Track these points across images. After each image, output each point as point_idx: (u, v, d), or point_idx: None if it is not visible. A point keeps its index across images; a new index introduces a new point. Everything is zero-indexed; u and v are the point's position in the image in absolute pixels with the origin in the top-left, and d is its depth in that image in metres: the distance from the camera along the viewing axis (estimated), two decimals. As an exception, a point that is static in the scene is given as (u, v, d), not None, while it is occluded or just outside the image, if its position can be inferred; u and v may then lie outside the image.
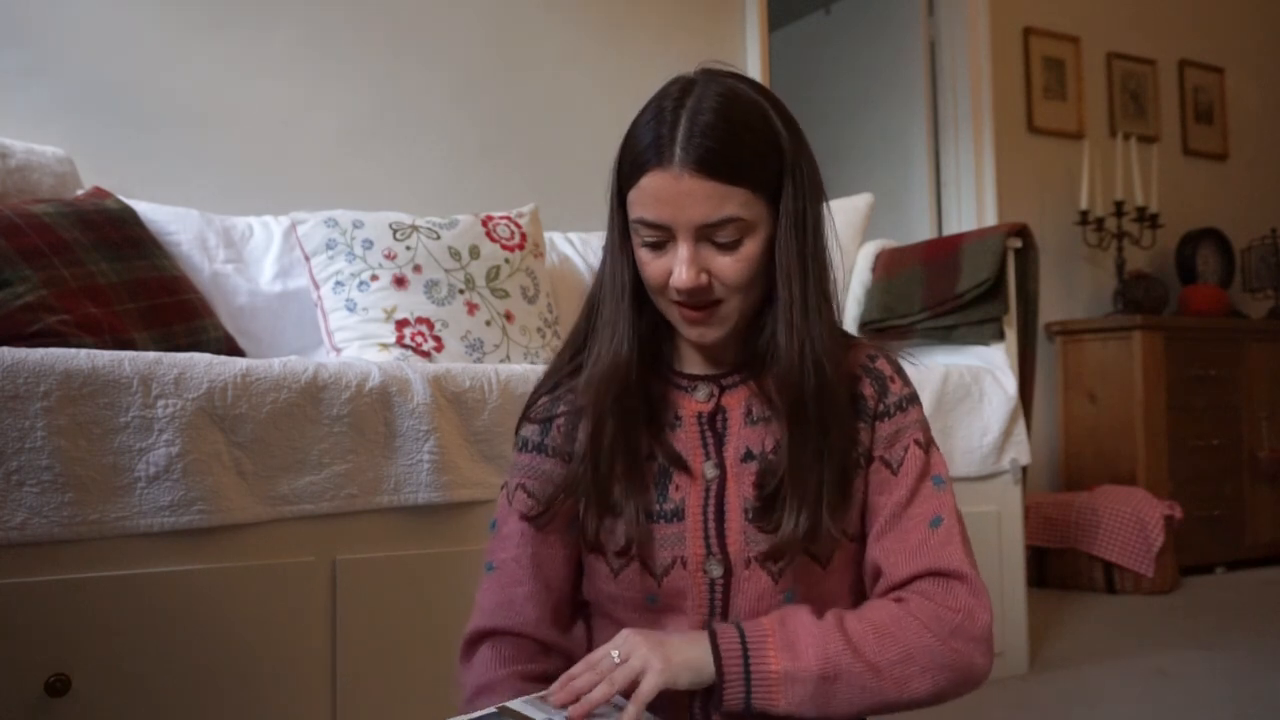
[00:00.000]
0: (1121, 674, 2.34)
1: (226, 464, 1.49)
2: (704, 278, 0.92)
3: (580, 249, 2.58)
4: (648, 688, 0.86)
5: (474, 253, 2.15)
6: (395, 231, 2.10)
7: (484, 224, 2.21)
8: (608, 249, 1.01)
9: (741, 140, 0.91)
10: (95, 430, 1.40)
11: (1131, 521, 3.24)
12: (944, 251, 2.51)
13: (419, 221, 2.15)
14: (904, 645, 0.91)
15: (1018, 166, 3.87)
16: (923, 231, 3.77)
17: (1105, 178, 3.98)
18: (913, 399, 1.02)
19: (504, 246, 2.19)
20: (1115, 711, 2.09)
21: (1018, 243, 2.44)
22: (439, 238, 2.13)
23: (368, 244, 2.08)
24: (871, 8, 4.04)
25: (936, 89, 3.85)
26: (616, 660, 0.88)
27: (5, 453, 1.34)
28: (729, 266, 0.93)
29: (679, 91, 0.94)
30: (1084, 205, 3.86)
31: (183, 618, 1.45)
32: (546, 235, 2.48)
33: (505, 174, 2.80)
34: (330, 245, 2.08)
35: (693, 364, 1.04)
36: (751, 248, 0.93)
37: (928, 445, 1.00)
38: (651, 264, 0.95)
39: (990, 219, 3.72)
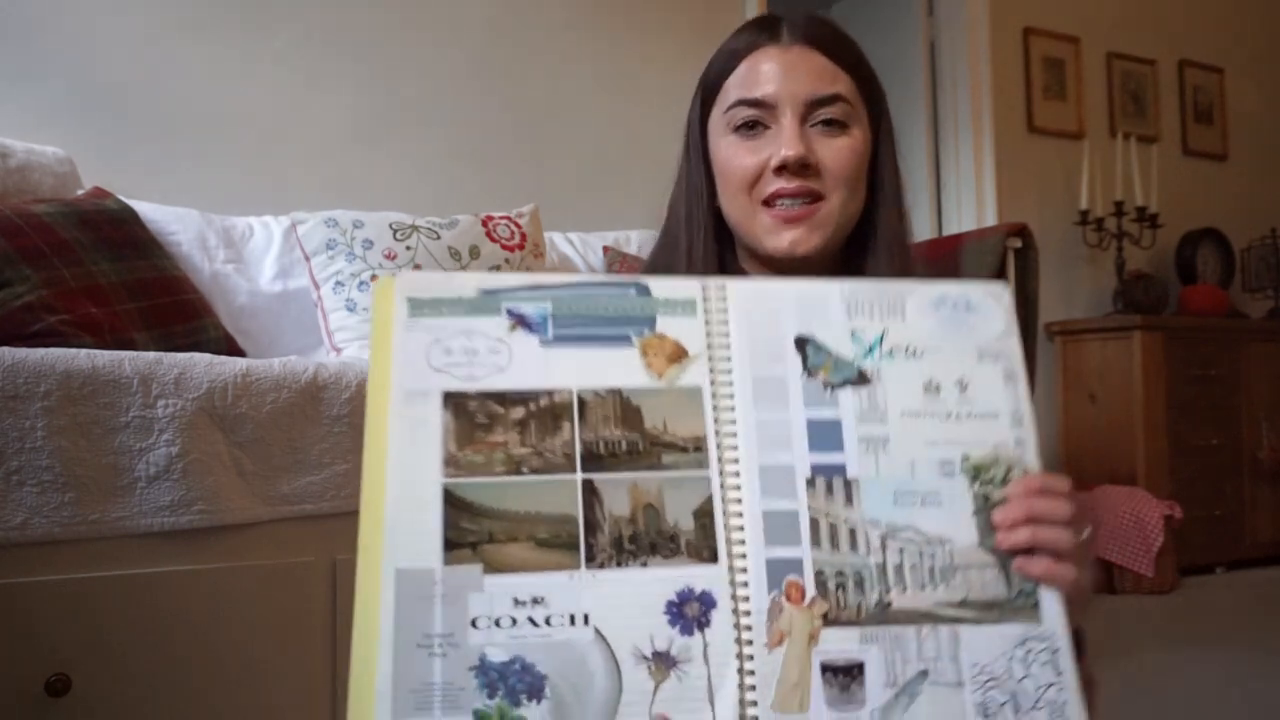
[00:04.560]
0: (1121, 674, 2.34)
1: (227, 464, 1.49)
2: (811, 156, 0.86)
3: (580, 249, 2.58)
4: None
5: (474, 253, 2.15)
6: (395, 231, 2.10)
7: (484, 224, 2.21)
8: (683, 172, 0.96)
9: (845, 37, 0.91)
10: (95, 430, 1.40)
11: (1131, 521, 3.24)
12: (944, 252, 2.51)
13: (419, 221, 2.15)
14: None
15: (1018, 166, 3.87)
16: (923, 231, 3.76)
17: (1105, 178, 3.98)
18: None
19: (504, 246, 2.20)
20: (1116, 711, 2.09)
21: (1018, 243, 2.43)
22: (439, 238, 2.13)
23: (368, 244, 2.08)
24: (871, 8, 4.04)
25: (936, 89, 3.85)
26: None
27: (5, 453, 1.34)
28: (836, 152, 0.87)
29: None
30: (1084, 205, 3.86)
31: (183, 618, 1.45)
32: (546, 235, 2.47)
33: (505, 174, 2.80)
34: (330, 245, 2.09)
35: None
36: (858, 138, 0.88)
37: None
38: (742, 155, 0.88)
39: (990, 219, 3.71)
